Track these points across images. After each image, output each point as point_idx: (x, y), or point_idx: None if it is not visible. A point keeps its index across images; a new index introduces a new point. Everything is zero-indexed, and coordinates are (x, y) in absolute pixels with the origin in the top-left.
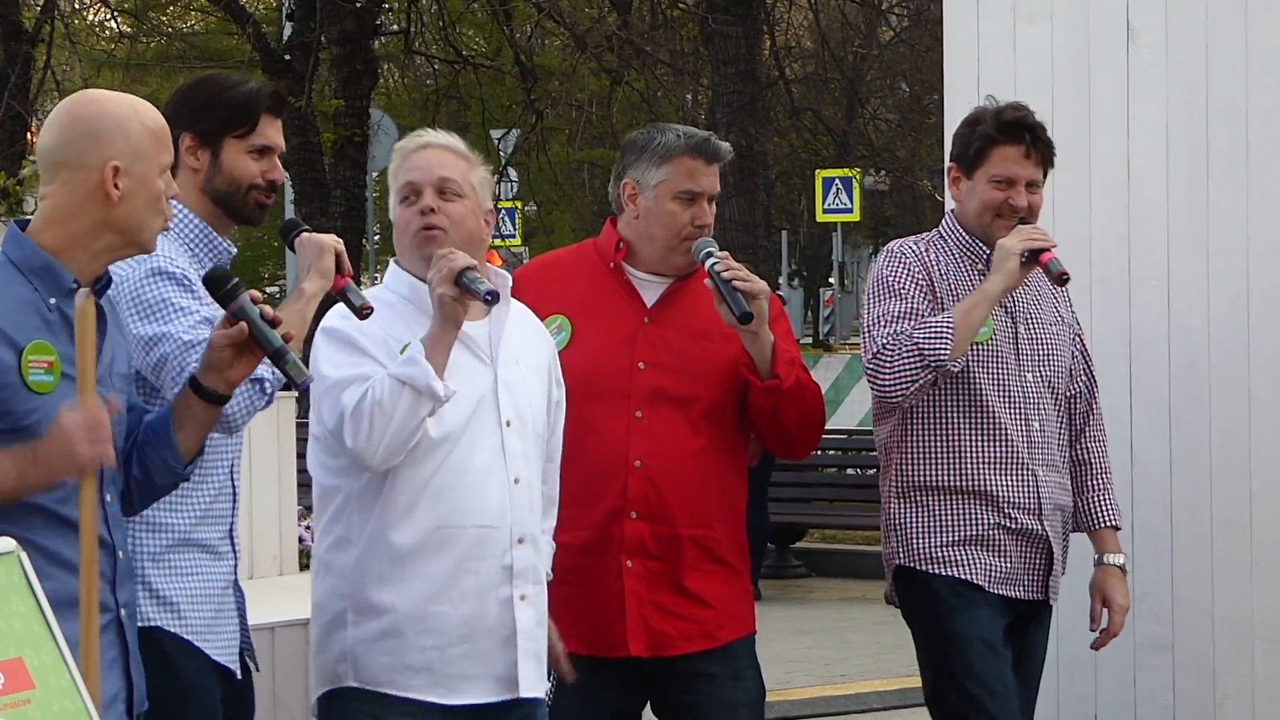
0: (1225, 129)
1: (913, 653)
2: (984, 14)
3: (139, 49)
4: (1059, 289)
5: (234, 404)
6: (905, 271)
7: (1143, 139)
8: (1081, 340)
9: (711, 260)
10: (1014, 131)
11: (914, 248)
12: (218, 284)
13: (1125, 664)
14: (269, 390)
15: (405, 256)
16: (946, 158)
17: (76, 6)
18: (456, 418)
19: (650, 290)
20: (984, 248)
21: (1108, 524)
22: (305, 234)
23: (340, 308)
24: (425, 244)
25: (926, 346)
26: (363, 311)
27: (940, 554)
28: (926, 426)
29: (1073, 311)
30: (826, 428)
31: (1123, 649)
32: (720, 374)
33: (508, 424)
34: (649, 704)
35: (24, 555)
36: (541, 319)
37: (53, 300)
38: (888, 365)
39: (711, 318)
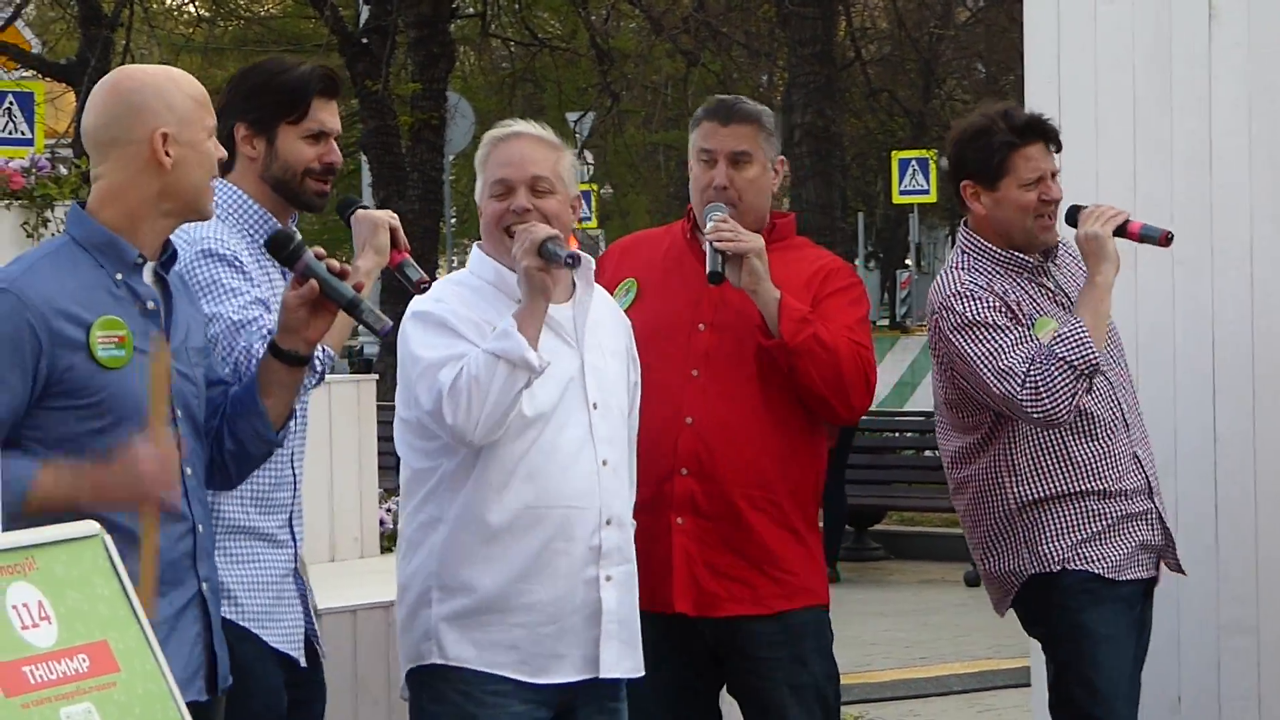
0: None
1: (991, 634)
2: None
3: (216, 33)
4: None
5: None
6: (985, 306)
7: (1224, 118)
8: None
9: (710, 224)
10: (1032, 131)
11: (974, 279)
12: (280, 246)
13: (1209, 647)
14: (319, 369)
15: (493, 246)
16: (947, 176)
17: None
18: (547, 398)
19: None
20: (1022, 256)
21: None
22: (360, 210)
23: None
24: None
25: (1074, 357)
26: (420, 286)
27: (1073, 553)
28: (1029, 443)
29: None
30: (904, 409)
31: (1207, 631)
32: (752, 330)
33: (594, 406)
34: (725, 687)
35: (108, 538)
36: (615, 286)
37: (119, 276)
38: (1047, 390)
39: (778, 280)
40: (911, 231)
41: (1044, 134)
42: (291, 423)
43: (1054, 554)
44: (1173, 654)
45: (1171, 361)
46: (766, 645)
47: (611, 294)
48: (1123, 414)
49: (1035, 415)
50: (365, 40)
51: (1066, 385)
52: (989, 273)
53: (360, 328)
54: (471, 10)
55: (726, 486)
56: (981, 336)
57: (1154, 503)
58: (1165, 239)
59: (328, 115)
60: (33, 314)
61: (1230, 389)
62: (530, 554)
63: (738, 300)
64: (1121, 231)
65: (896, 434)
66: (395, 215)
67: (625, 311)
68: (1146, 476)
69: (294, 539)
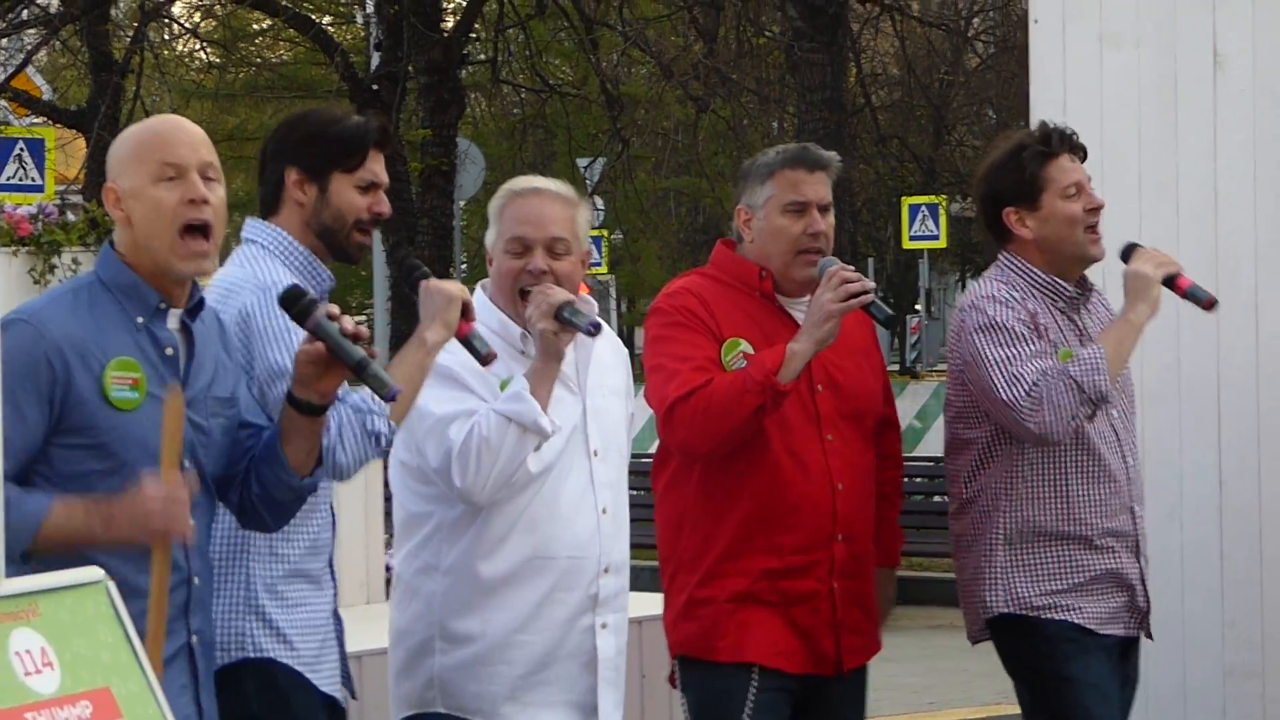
0: None
1: (999, 680)
2: (1070, 40)
3: (228, 79)
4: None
5: (346, 453)
6: (1014, 315)
7: (1230, 163)
8: None
9: (849, 273)
10: (1060, 143)
11: (1012, 293)
12: (291, 302)
13: (1215, 691)
14: (384, 444)
15: (502, 299)
16: (979, 207)
17: (166, 37)
18: (551, 451)
19: (797, 312)
20: (1062, 283)
21: None
22: (431, 281)
23: None
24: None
25: (1085, 381)
26: (487, 359)
27: (1052, 600)
28: (1032, 470)
29: None
30: (913, 454)
31: (1212, 676)
32: (876, 388)
33: (595, 453)
34: None
35: (111, 585)
36: (724, 339)
37: (140, 319)
38: (1049, 404)
39: (852, 332)
40: (922, 277)
41: (1071, 144)
42: (320, 469)
43: (1030, 597)
44: (1179, 700)
45: (1177, 405)
46: (841, 691)
47: (720, 352)
48: (1127, 464)
49: (1031, 426)
50: (376, 87)
51: (1070, 405)
52: (1025, 291)
53: None
54: (483, 56)
55: (866, 546)
56: (1002, 340)
57: (1139, 563)
58: (1210, 303)
59: (379, 167)
60: (50, 348)
61: (1236, 433)
62: (531, 604)
63: (836, 358)
64: (1170, 282)
65: (906, 479)
66: (466, 289)
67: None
68: (1138, 536)
69: (333, 580)
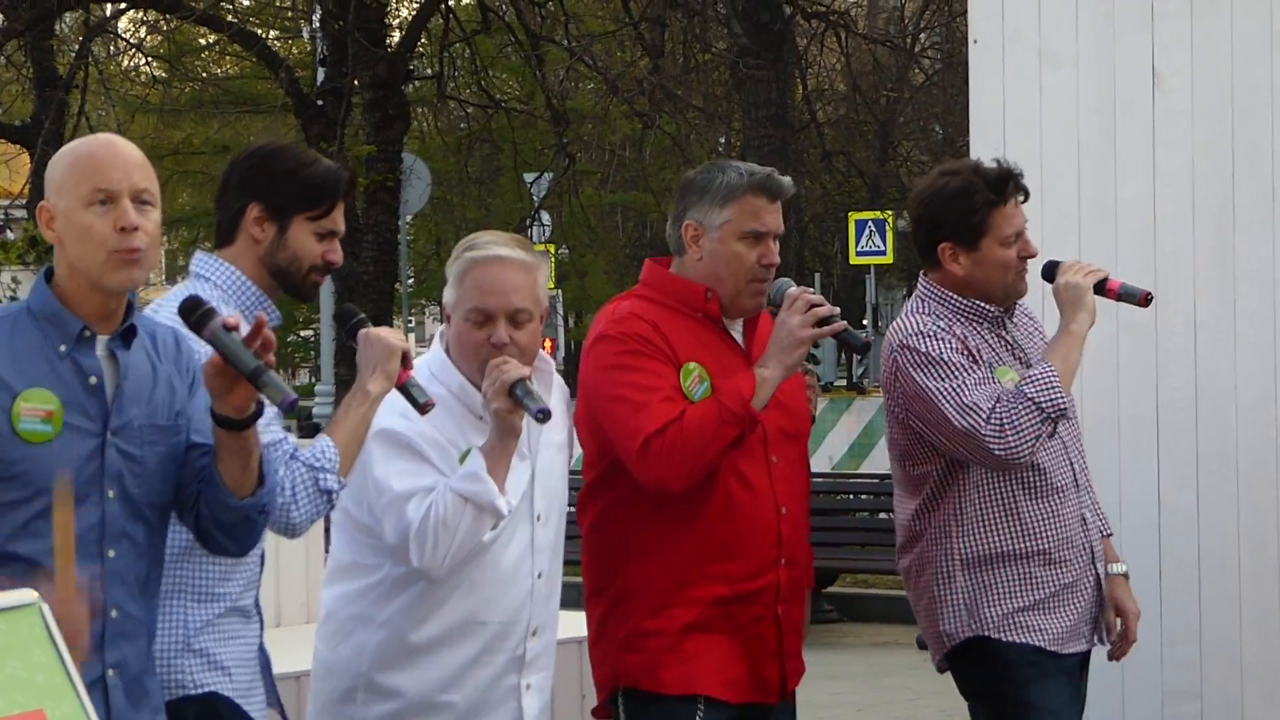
0: (1252, 174)
1: (945, 699)
2: (1009, 59)
3: (173, 94)
4: (1037, 330)
5: (301, 512)
6: (947, 346)
7: (1169, 184)
8: None
9: (811, 295)
10: (1009, 188)
11: (937, 323)
12: (188, 313)
13: (1154, 712)
14: (334, 501)
15: (465, 365)
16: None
17: (111, 52)
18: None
19: (735, 332)
20: (984, 305)
21: (1107, 532)
22: (371, 331)
23: (390, 403)
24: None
25: (1043, 399)
26: (425, 408)
27: (1013, 620)
28: (979, 494)
29: None
30: (858, 471)
31: (1151, 697)
32: (805, 406)
33: (538, 518)
34: None
35: (45, 607)
36: (679, 365)
37: (63, 348)
38: (1011, 427)
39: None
40: (868, 292)
41: (1019, 187)
42: (262, 489)
43: (992, 619)
44: (1117, 718)
45: (1116, 426)
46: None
47: (679, 379)
48: (1074, 474)
49: (997, 451)
50: (321, 102)
51: (1032, 426)
52: (949, 319)
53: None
54: (429, 72)
55: (802, 572)
56: (943, 373)
57: (1095, 569)
58: (1145, 299)
59: (340, 217)
60: None
61: (1174, 454)
62: (458, 665)
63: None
64: (1100, 288)
65: (851, 496)
66: (404, 336)
67: (701, 403)
68: (1090, 542)
69: (259, 613)
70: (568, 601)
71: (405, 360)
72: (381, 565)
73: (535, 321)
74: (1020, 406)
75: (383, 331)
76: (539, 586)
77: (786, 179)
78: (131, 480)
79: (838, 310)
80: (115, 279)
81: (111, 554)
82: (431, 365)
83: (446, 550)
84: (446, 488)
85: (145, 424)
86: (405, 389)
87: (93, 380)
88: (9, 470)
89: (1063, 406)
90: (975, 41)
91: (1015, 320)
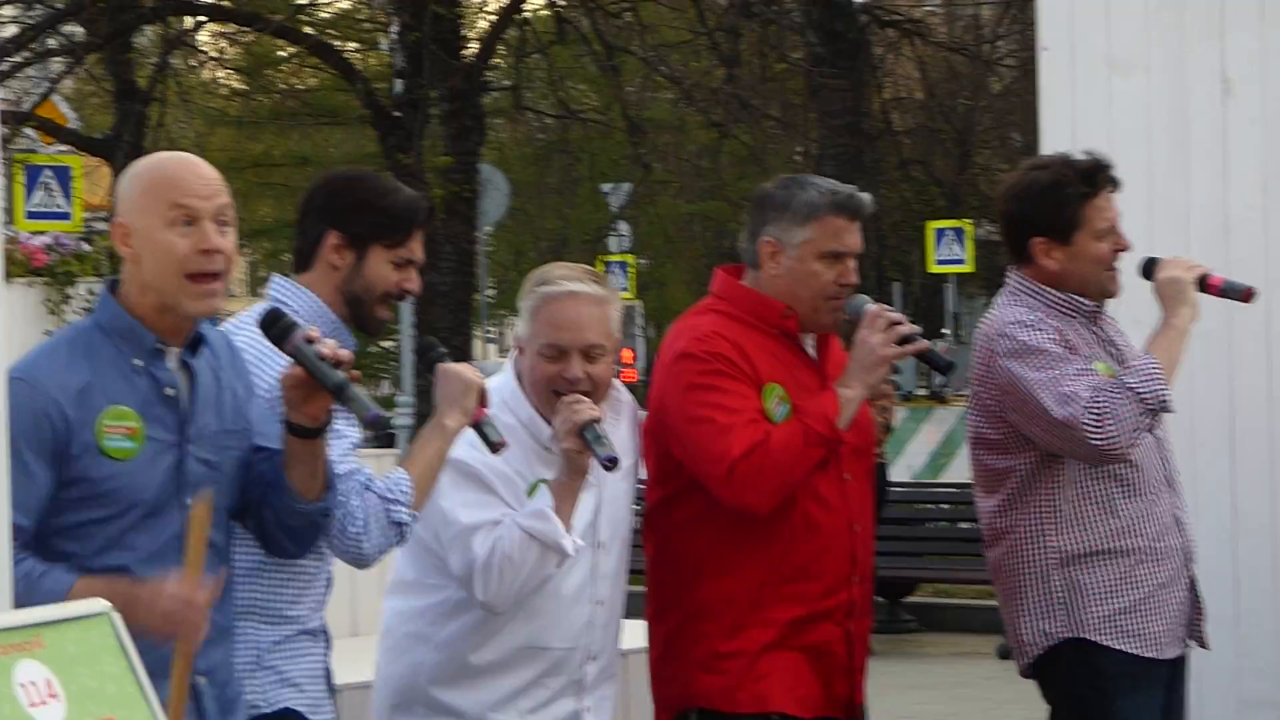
0: None
1: (1025, 708)
2: (1079, 66)
3: (252, 106)
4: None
5: (372, 543)
6: (1045, 336)
7: (1240, 191)
8: None
9: (888, 312)
10: (1102, 180)
11: (1031, 313)
12: (269, 326)
13: None
14: (406, 535)
15: (537, 397)
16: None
17: (190, 65)
18: None
19: (808, 348)
20: (1079, 299)
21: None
22: (449, 366)
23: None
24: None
25: (1145, 390)
26: (498, 448)
27: (1114, 623)
28: (1075, 490)
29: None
30: (938, 480)
31: (1228, 706)
32: (872, 420)
33: (601, 545)
34: None
35: (116, 616)
36: (761, 385)
37: (138, 362)
38: (1112, 418)
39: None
40: (948, 301)
41: (1110, 178)
42: (329, 493)
43: (1091, 621)
44: None
45: (1190, 433)
46: None
47: (761, 400)
48: (1167, 474)
49: (1095, 441)
50: (398, 114)
51: (1132, 418)
52: (1044, 311)
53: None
54: (506, 83)
55: (871, 589)
56: (1042, 363)
57: (1190, 570)
58: (1248, 295)
59: (419, 246)
60: (48, 401)
61: (1250, 461)
62: (515, 687)
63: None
64: (1203, 284)
65: (930, 505)
66: (481, 375)
67: (782, 425)
68: (1185, 541)
69: (327, 634)
70: (630, 612)
71: (482, 397)
72: (444, 587)
73: (609, 355)
74: (1121, 397)
75: (460, 368)
76: (599, 613)
77: (867, 196)
78: (214, 489)
79: (919, 329)
80: (197, 308)
81: (204, 628)
82: (503, 393)
83: (512, 585)
84: (513, 523)
85: (219, 430)
86: (480, 427)
87: (169, 392)
88: (97, 489)
89: (1164, 399)
90: (1045, 49)
91: (1104, 319)
